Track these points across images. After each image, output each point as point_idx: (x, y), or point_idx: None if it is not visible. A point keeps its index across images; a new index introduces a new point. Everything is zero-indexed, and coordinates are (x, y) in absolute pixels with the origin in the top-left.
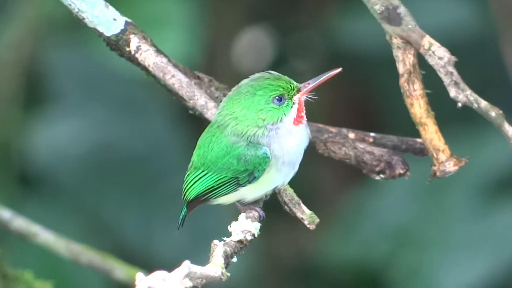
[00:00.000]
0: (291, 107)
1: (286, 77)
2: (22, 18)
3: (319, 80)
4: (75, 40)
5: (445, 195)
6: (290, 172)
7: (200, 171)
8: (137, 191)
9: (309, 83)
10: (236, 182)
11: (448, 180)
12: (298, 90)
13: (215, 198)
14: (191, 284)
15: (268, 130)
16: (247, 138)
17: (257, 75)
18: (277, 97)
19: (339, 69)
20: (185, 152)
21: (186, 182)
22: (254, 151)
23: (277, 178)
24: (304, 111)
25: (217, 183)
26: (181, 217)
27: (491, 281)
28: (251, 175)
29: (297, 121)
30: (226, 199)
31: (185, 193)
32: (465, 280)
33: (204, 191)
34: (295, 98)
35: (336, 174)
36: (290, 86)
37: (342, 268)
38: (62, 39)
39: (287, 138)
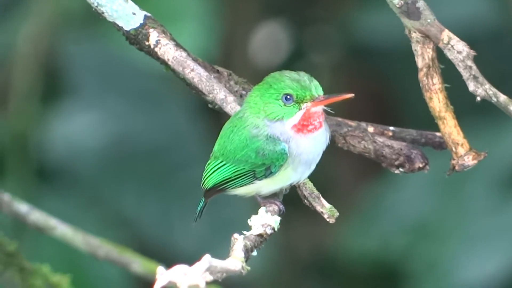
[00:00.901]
0: (295, 112)
1: (307, 82)
2: (41, 11)
3: (330, 98)
4: (93, 34)
5: (464, 188)
6: (306, 171)
7: (219, 161)
8: (155, 184)
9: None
10: (253, 175)
11: (467, 173)
12: (312, 99)
13: (232, 189)
14: (211, 278)
15: (267, 125)
16: (266, 133)
17: (286, 71)
18: (286, 96)
19: (351, 95)
20: (203, 145)
21: (206, 170)
22: (273, 146)
23: (293, 175)
24: (316, 121)
25: (235, 174)
26: (199, 208)
27: (509, 273)
28: (267, 170)
29: (298, 128)
30: (242, 191)
31: (204, 181)
32: (484, 272)
33: (222, 181)
34: (304, 105)
35: (354, 167)
36: (304, 91)
37: (361, 261)
38: (81, 32)
39: (304, 139)
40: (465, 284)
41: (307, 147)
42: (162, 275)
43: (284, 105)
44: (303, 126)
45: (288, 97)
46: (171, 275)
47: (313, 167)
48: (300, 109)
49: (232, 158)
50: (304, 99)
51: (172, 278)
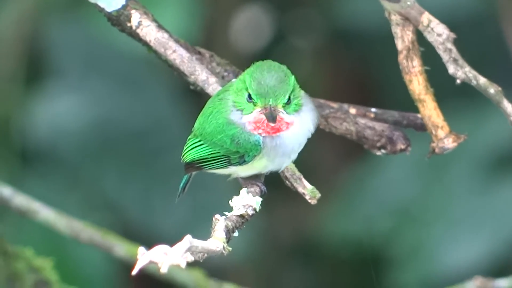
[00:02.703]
0: (251, 111)
1: (266, 89)
2: None
3: (274, 121)
4: (76, 17)
5: (447, 171)
6: (284, 161)
7: (197, 139)
8: (137, 167)
9: (281, 119)
10: (228, 161)
11: (449, 156)
12: (264, 107)
13: (209, 169)
14: (192, 258)
15: (233, 112)
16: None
17: (266, 65)
18: (248, 93)
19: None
20: (186, 127)
21: (186, 145)
22: (248, 136)
23: (269, 165)
24: (269, 127)
25: (210, 156)
26: (181, 184)
27: (493, 256)
28: (241, 158)
29: (256, 127)
30: (220, 171)
31: (183, 155)
32: (467, 256)
33: (199, 159)
34: (256, 109)
35: (336, 150)
36: (258, 97)
37: (343, 245)
38: (63, 15)
39: (277, 137)
40: (449, 268)
41: (282, 142)
42: (143, 255)
43: (247, 100)
44: (256, 127)
45: (249, 96)
46: (152, 255)
47: (293, 156)
48: (253, 111)
49: (209, 140)
50: (256, 104)
51: (153, 258)
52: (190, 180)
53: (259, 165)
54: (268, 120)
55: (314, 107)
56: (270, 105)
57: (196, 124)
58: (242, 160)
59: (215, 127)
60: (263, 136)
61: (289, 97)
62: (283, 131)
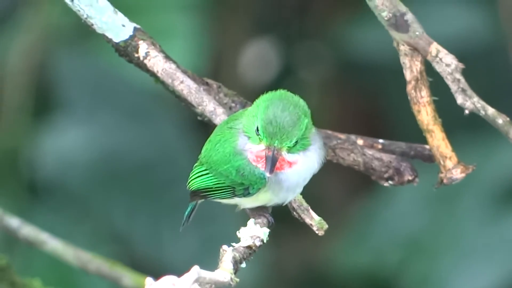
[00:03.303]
0: (257, 144)
1: (275, 129)
2: (32, 26)
3: (274, 164)
4: (84, 49)
5: (456, 203)
6: (289, 195)
7: (203, 168)
8: (146, 199)
9: (283, 160)
10: (232, 191)
11: (459, 187)
12: (268, 148)
13: (214, 198)
14: None
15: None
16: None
17: (279, 100)
18: (257, 126)
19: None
20: (193, 159)
21: (192, 172)
22: (253, 169)
23: (274, 198)
24: (280, 165)
25: (216, 186)
26: (186, 213)
27: (503, 286)
28: (246, 190)
29: (256, 160)
30: (225, 201)
31: (189, 183)
32: (477, 286)
33: (204, 188)
34: (260, 145)
35: (344, 181)
36: (265, 135)
37: (352, 277)
38: (71, 47)
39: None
40: None
41: (286, 177)
42: (151, 286)
43: (255, 131)
44: (256, 160)
45: (257, 128)
46: (160, 286)
47: (298, 190)
48: (258, 144)
49: (215, 169)
50: (261, 140)
51: None
52: (196, 208)
53: (263, 198)
54: (267, 162)
55: (323, 145)
56: (274, 146)
57: (203, 152)
58: (246, 192)
59: (221, 156)
60: None
61: (297, 140)
62: (283, 170)
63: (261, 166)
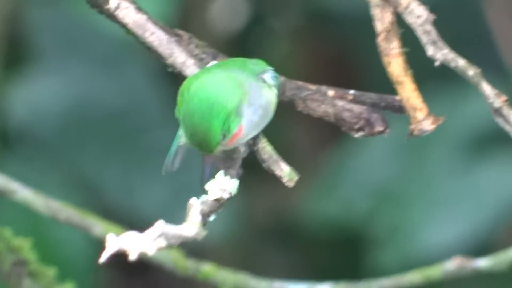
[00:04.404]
0: None
1: (202, 141)
2: None
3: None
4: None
5: (426, 153)
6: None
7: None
8: (117, 148)
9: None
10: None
11: (429, 138)
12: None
13: None
14: (165, 244)
15: None
16: None
17: (201, 102)
18: None
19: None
20: (164, 109)
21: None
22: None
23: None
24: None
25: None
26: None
27: (472, 237)
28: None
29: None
30: None
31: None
32: (447, 236)
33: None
34: None
35: (315, 132)
36: (198, 148)
37: (322, 226)
38: None
39: None
40: (429, 248)
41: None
42: (112, 242)
43: None
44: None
45: None
46: (121, 242)
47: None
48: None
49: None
50: None
51: (122, 245)
52: (180, 151)
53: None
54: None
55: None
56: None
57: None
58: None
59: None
60: None
61: (223, 136)
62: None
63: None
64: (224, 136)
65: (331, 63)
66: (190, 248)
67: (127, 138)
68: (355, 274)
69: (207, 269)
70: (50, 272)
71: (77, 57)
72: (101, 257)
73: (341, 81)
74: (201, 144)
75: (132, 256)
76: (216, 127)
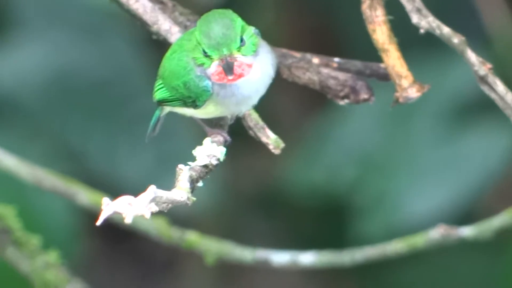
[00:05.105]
0: (210, 64)
1: (216, 40)
2: None
3: (233, 69)
4: None
5: (411, 121)
6: (241, 108)
7: (160, 82)
8: (101, 116)
9: (241, 64)
10: (184, 103)
11: (413, 105)
12: (221, 58)
13: (171, 107)
14: (157, 208)
15: (197, 70)
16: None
17: (211, 16)
18: (202, 49)
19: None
20: (148, 77)
21: (155, 84)
22: (198, 81)
23: (224, 111)
24: (241, 70)
25: (170, 98)
26: (151, 123)
27: (456, 204)
28: (193, 102)
29: (220, 78)
30: (181, 111)
31: (153, 94)
32: (432, 204)
33: (162, 99)
34: (214, 63)
35: (300, 100)
36: (212, 50)
37: (307, 195)
38: None
39: (229, 86)
40: (414, 216)
41: (233, 91)
42: (107, 206)
43: (204, 55)
44: (220, 78)
45: (204, 51)
46: (116, 206)
47: (252, 102)
48: (211, 64)
49: (168, 83)
50: (212, 57)
51: (117, 209)
52: (160, 119)
53: (210, 111)
54: (225, 72)
55: (271, 49)
56: (225, 55)
57: (160, 68)
58: (194, 105)
59: (173, 72)
60: (212, 83)
61: (242, 38)
62: (246, 75)
63: (227, 81)
64: (243, 40)
65: (315, 32)
66: (176, 217)
67: (111, 106)
68: (340, 243)
69: (192, 237)
70: (34, 240)
71: (60, 26)
72: (97, 220)
73: (325, 49)
74: (222, 41)
75: (128, 219)
76: (236, 22)
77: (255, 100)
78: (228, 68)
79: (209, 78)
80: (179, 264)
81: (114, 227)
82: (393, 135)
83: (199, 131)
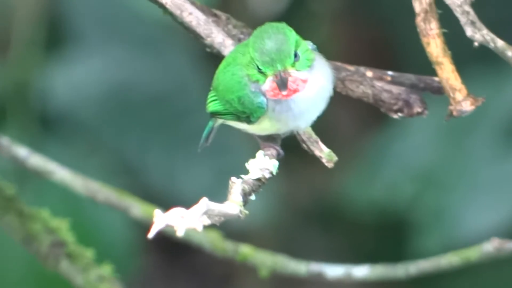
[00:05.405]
0: (265, 80)
1: (270, 56)
2: None
3: (288, 83)
4: None
5: (468, 137)
6: (300, 124)
7: (213, 94)
8: (158, 131)
9: (295, 79)
10: (237, 118)
11: (470, 120)
12: (275, 74)
13: (225, 120)
14: (209, 221)
15: (252, 86)
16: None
17: (264, 31)
18: (256, 65)
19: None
20: (205, 90)
21: (208, 96)
22: (253, 97)
23: (280, 128)
24: (296, 85)
25: (223, 111)
26: (204, 134)
27: None
28: (247, 118)
29: (274, 94)
30: (235, 126)
31: (207, 105)
32: (489, 219)
33: (216, 112)
34: (268, 79)
35: (354, 114)
36: (266, 66)
37: (365, 210)
38: None
39: (284, 102)
40: (472, 232)
41: (290, 105)
42: (159, 218)
43: (258, 71)
44: (275, 94)
45: (258, 67)
46: (168, 218)
47: (311, 117)
48: (266, 80)
49: (222, 96)
50: (266, 73)
51: (169, 221)
52: (214, 130)
53: (265, 127)
54: (280, 88)
55: (329, 64)
56: (279, 71)
57: (214, 80)
58: (248, 120)
59: (227, 86)
60: (267, 99)
61: (296, 53)
62: (301, 90)
63: (281, 97)
64: (297, 55)
65: (370, 45)
66: (231, 231)
67: (167, 120)
68: (397, 259)
69: (246, 250)
70: (88, 253)
71: (117, 40)
72: (149, 233)
73: (380, 62)
74: (276, 56)
75: (180, 232)
76: (290, 37)
77: (313, 115)
78: (282, 83)
79: (264, 95)
80: (235, 278)
81: (170, 242)
82: (451, 151)
83: (255, 144)
